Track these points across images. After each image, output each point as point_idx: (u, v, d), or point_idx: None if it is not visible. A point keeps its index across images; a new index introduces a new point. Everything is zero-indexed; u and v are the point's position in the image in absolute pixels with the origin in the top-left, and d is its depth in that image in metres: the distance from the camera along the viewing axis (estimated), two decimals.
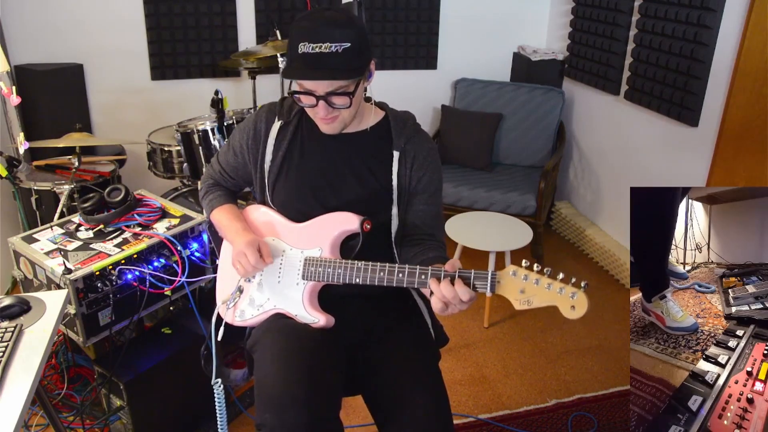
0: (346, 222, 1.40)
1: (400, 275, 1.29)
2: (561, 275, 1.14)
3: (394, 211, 1.48)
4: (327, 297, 1.47)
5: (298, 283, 1.44)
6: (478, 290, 1.21)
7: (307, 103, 1.36)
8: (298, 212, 1.48)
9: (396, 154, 1.47)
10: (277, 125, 1.51)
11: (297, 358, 1.33)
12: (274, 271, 1.47)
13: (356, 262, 1.34)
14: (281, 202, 1.51)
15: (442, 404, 1.37)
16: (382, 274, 1.31)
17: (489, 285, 1.20)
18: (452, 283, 1.21)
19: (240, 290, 1.51)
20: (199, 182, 1.70)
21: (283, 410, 1.24)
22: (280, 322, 1.44)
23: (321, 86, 1.31)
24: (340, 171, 1.48)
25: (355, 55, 1.29)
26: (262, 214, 1.56)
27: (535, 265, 1.17)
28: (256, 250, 1.41)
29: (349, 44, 1.27)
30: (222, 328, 1.48)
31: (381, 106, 1.56)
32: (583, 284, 1.13)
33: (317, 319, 1.42)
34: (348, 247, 1.44)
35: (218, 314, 1.52)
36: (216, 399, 1.50)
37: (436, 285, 1.23)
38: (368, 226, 1.38)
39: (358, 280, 1.34)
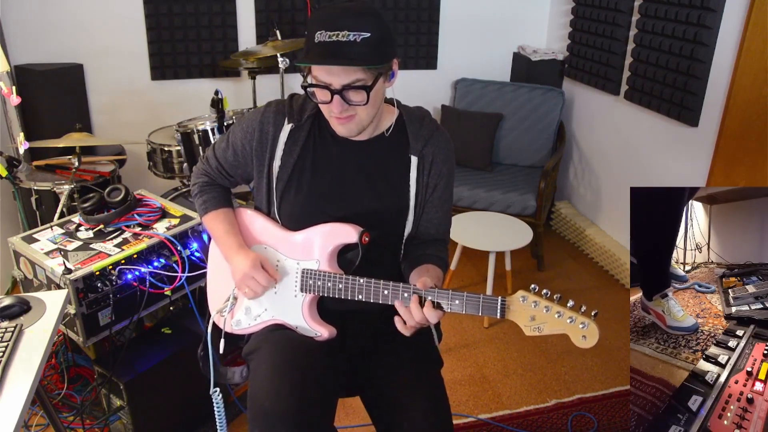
0: (344, 235, 1.33)
1: (405, 294, 1.26)
2: (571, 302, 1.15)
3: (409, 221, 1.43)
4: (327, 307, 1.43)
5: (297, 295, 1.39)
6: (485, 315, 1.21)
7: (322, 98, 1.28)
8: (307, 226, 1.40)
9: (414, 160, 1.40)
10: (287, 128, 1.40)
11: (290, 372, 1.30)
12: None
13: (358, 278, 1.30)
14: (289, 213, 1.43)
15: (443, 411, 1.35)
16: (386, 292, 1.27)
17: (499, 310, 1.19)
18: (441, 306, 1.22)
19: (234, 298, 1.47)
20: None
21: (272, 427, 1.21)
22: (277, 333, 1.41)
23: (336, 78, 1.23)
24: (354, 182, 1.41)
25: (374, 47, 1.21)
26: (252, 218, 1.49)
27: (544, 291, 1.17)
28: (262, 269, 1.37)
29: (368, 34, 1.20)
30: (222, 341, 1.46)
31: (391, 102, 1.46)
32: (593, 313, 1.14)
33: (319, 332, 1.39)
34: (347, 259, 1.39)
35: (214, 323, 1.49)
36: (215, 408, 1.48)
37: (404, 309, 1.24)
38: (367, 239, 1.31)
39: (360, 297, 1.30)
